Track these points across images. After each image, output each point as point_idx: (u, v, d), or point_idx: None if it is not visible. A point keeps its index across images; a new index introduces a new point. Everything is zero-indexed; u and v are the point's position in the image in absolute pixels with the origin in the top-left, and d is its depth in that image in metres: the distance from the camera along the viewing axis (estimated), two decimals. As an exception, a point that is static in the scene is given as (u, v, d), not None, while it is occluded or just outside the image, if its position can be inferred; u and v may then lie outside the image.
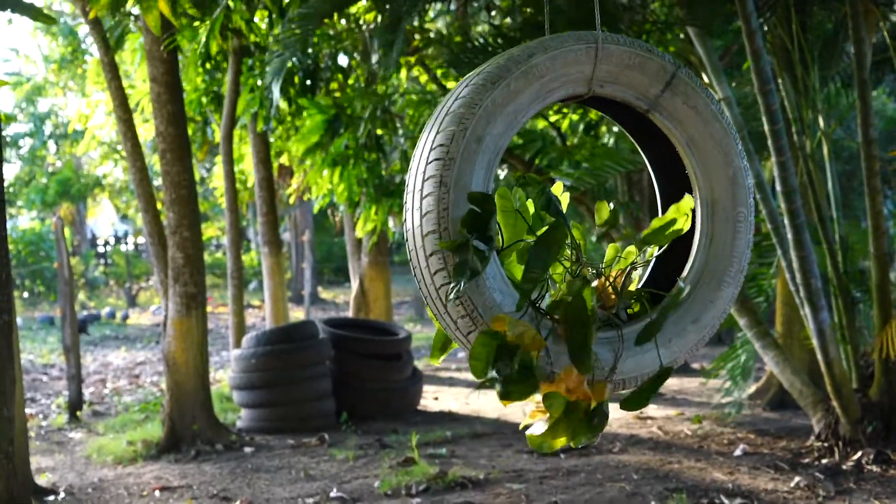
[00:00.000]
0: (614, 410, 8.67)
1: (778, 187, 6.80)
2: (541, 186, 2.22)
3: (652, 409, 9.33)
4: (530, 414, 2.17)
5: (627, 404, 2.19)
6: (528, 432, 2.16)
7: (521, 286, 2.07)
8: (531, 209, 2.25)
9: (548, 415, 2.12)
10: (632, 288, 2.29)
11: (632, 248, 2.33)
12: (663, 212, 2.41)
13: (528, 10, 6.81)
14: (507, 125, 2.14)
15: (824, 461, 6.80)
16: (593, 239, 9.27)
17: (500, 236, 2.18)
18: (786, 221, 6.84)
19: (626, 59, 2.24)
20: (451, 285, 2.02)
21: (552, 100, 2.23)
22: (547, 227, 2.12)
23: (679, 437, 8.00)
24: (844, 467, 6.60)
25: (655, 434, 8.14)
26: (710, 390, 9.61)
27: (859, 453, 6.72)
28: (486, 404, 9.87)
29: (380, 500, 6.41)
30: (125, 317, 22.42)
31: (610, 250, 2.33)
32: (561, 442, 2.13)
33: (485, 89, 2.12)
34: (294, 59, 8.87)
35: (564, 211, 2.29)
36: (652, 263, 2.38)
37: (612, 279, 2.26)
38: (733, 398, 8.33)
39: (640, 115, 2.34)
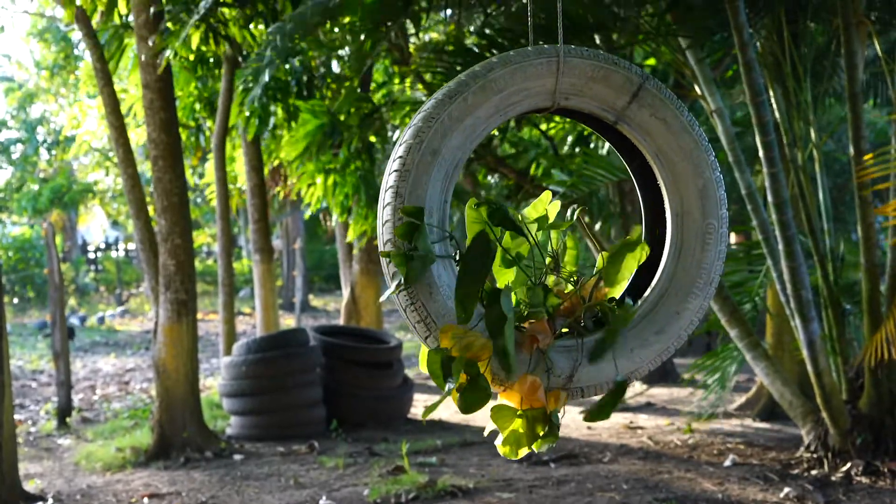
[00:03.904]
0: (606, 421, 8.62)
1: (769, 199, 6.82)
2: (494, 206, 2.24)
3: (642, 419, 9.34)
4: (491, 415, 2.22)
5: (590, 416, 2.24)
6: (497, 442, 2.21)
7: (458, 301, 2.11)
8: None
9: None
10: (602, 296, 2.30)
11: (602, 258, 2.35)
12: (646, 220, 2.44)
13: (523, 18, 6.84)
14: (465, 138, 2.19)
15: (814, 472, 6.81)
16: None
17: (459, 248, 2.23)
18: (777, 233, 6.86)
19: (590, 72, 2.26)
20: (387, 291, 2.13)
21: (515, 112, 2.27)
22: (472, 241, 2.17)
23: (669, 447, 8.00)
24: (834, 478, 6.61)
25: (645, 444, 8.14)
26: (700, 400, 9.61)
27: (849, 464, 6.73)
28: (477, 413, 9.85)
29: (369, 508, 6.40)
30: (101, 320, 22.59)
31: (601, 259, 2.34)
32: (525, 448, 2.18)
33: (443, 104, 2.18)
34: (287, 66, 8.87)
35: (554, 219, 2.32)
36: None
37: (581, 288, 2.28)
38: (716, 404, 8.42)
39: (613, 126, 2.37)
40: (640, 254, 2.29)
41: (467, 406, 2.11)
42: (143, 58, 8.23)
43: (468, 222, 2.26)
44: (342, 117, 8.94)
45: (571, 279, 2.31)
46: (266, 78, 7.72)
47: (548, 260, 2.33)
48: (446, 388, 2.10)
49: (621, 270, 2.29)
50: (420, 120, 2.17)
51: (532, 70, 2.22)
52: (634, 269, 2.30)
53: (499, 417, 2.16)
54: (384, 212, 2.16)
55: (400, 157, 2.15)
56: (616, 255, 2.29)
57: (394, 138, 9.89)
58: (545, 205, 2.33)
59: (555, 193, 7.90)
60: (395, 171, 2.15)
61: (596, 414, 2.23)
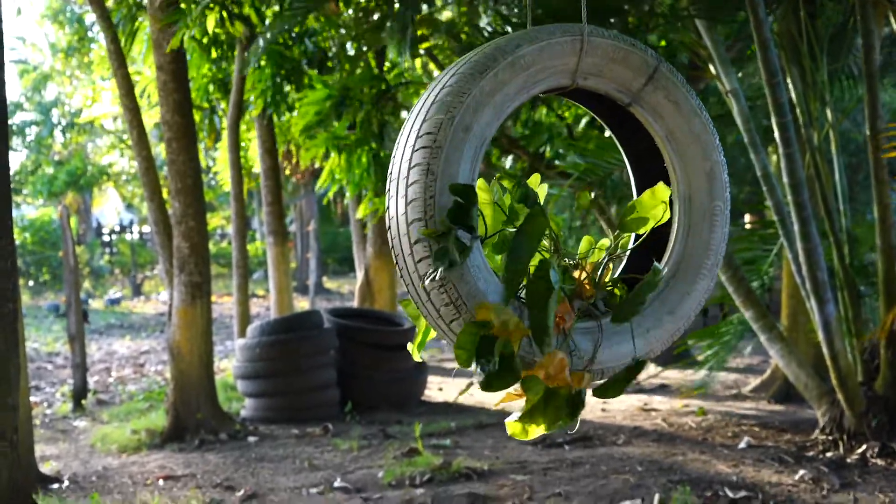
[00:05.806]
0: (617, 402, 8.62)
1: (785, 179, 6.78)
2: (517, 180, 2.22)
3: (656, 402, 9.33)
4: (505, 397, 2.17)
5: (602, 392, 2.21)
6: (507, 420, 2.17)
7: (507, 278, 2.07)
8: (508, 202, 2.26)
9: (525, 399, 2.12)
10: (608, 278, 2.29)
11: (605, 241, 2.33)
12: None
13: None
14: (493, 114, 2.15)
15: (829, 454, 6.79)
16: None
17: (483, 225, 2.18)
18: (792, 213, 6.82)
19: (611, 53, 2.25)
20: (430, 271, 2.02)
21: (537, 90, 2.24)
22: (526, 218, 2.12)
23: (683, 429, 7.99)
24: (849, 460, 6.59)
25: (660, 426, 8.13)
26: (716, 382, 9.59)
27: (864, 446, 6.71)
28: (491, 395, 9.85)
29: (383, 490, 6.41)
30: (117, 301, 22.77)
31: (584, 243, 2.35)
32: (540, 429, 2.12)
33: (472, 78, 2.12)
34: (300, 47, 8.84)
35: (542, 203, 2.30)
36: (628, 254, 2.40)
37: (588, 270, 2.27)
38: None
39: (619, 110, 2.36)
40: (661, 211, 2.26)
41: (490, 385, 2.05)
42: (156, 38, 8.22)
43: (478, 201, 2.23)
44: (353, 93, 8.90)
45: (572, 262, 2.29)
46: (261, 44, 7.68)
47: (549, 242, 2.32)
48: (477, 370, 2.04)
49: (641, 218, 2.27)
50: (448, 94, 2.10)
51: (558, 48, 2.19)
52: (654, 218, 2.28)
53: (529, 389, 2.10)
54: (409, 190, 2.07)
55: (429, 132, 2.08)
56: (636, 206, 2.27)
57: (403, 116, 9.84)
58: (534, 186, 2.32)
59: (569, 176, 7.87)
60: (424, 147, 2.07)
61: (610, 389, 2.21)
